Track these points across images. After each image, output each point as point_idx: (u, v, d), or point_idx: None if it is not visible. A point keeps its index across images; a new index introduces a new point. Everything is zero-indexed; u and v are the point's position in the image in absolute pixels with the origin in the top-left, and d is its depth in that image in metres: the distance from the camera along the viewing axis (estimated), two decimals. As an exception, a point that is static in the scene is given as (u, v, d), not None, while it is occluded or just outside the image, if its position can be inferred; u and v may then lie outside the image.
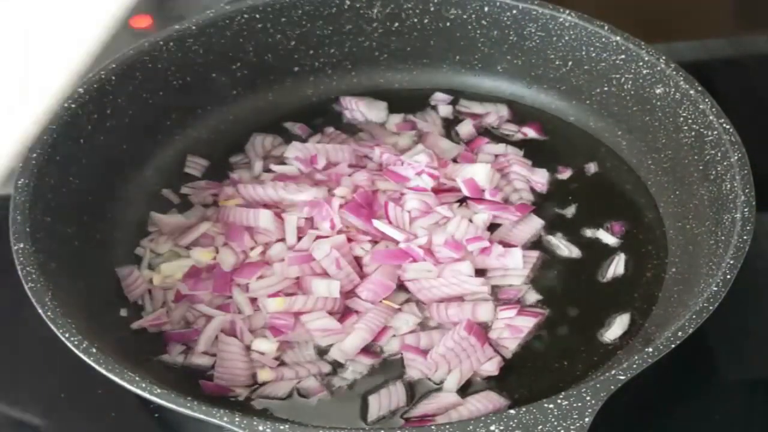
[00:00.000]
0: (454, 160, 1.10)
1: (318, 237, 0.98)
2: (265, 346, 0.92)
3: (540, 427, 0.74)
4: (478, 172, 1.06)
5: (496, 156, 1.12)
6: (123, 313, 0.95)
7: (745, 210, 0.90)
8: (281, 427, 0.73)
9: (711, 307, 0.82)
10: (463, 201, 1.05)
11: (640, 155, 1.10)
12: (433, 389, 0.90)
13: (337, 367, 0.91)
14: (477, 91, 1.19)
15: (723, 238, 0.90)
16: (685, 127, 1.02)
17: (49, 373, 0.93)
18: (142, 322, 0.93)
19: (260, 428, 0.73)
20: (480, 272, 0.98)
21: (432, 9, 1.16)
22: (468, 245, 0.99)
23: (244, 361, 0.91)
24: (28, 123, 0.98)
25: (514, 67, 1.17)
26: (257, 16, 1.12)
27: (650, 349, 0.79)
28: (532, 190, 1.08)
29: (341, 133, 1.14)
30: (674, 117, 1.04)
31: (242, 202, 1.04)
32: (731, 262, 0.85)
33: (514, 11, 1.13)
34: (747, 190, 0.91)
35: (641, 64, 1.07)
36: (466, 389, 0.89)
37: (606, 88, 1.12)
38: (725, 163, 0.95)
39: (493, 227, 1.03)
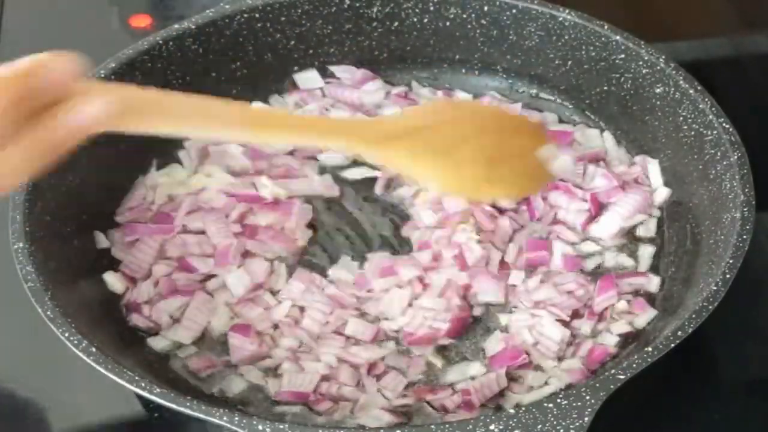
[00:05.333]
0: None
1: None
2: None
3: (539, 426, 0.74)
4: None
5: None
6: (123, 311, 0.95)
7: (745, 209, 0.89)
8: (281, 427, 0.73)
9: (710, 307, 0.82)
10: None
11: (640, 155, 1.10)
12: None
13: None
14: (476, 91, 1.19)
15: (722, 237, 0.90)
16: (685, 127, 1.02)
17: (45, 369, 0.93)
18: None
19: (260, 427, 0.73)
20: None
21: (431, 8, 1.15)
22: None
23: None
24: None
25: (513, 67, 1.17)
26: (257, 15, 1.12)
27: (650, 349, 0.79)
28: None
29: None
30: (674, 116, 1.04)
31: None
32: (731, 261, 0.85)
33: (514, 10, 1.13)
34: (747, 190, 0.91)
35: (641, 63, 1.07)
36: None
37: (606, 88, 1.11)
38: (725, 163, 0.95)
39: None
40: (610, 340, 0.92)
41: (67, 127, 0.64)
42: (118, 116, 0.68)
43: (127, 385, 0.77)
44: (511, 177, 0.93)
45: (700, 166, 0.99)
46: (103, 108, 0.66)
